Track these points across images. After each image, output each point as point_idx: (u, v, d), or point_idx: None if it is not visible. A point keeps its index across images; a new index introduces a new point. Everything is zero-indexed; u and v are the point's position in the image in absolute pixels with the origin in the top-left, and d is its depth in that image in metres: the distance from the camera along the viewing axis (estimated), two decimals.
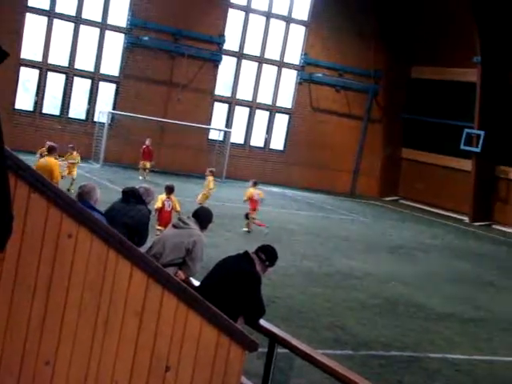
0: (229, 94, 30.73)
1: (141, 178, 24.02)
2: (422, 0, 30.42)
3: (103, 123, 27.26)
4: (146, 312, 4.45)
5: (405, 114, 32.34)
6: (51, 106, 28.03)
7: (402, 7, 30.73)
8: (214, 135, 30.54)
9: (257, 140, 31.56)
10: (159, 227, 13.25)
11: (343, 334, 10.36)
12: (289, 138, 31.88)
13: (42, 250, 4.15)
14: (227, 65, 30.33)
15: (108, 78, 28.55)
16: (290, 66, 31.47)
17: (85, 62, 28.10)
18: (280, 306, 11.03)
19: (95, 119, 28.13)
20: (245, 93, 30.95)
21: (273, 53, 31.12)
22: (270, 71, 31.22)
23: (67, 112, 27.97)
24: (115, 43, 28.40)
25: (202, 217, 7.93)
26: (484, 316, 12.89)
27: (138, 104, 28.10)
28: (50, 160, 12.93)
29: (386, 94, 32.66)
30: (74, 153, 19.68)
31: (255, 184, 18.43)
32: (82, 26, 27.71)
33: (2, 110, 23.30)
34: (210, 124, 30.13)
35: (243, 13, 30.29)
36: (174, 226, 7.93)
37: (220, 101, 30.55)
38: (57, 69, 27.74)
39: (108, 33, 28.19)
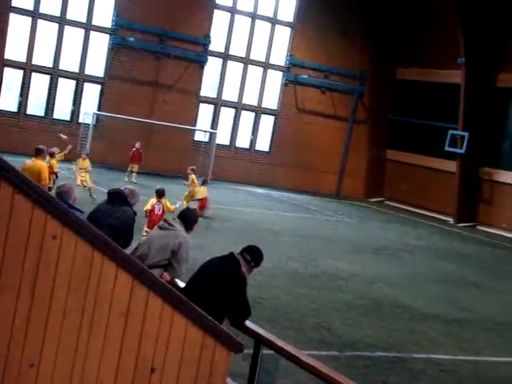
0: (214, 95, 30.71)
1: (126, 179, 23.96)
2: None
3: (88, 124, 27.11)
4: (131, 313, 4.44)
5: (390, 115, 32.45)
6: (35, 107, 27.90)
7: (386, 5, 30.77)
8: (200, 136, 30.51)
9: (242, 141, 31.55)
10: (147, 229, 13.23)
11: (329, 334, 10.38)
12: (274, 139, 31.90)
13: (27, 252, 4.13)
14: (213, 66, 30.32)
15: (93, 79, 28.46)
16: (275, 67, 31.51)
17: (69, 63, 28.00)
18: (265, 307, 11.03)
19: (80, 120, 27.99)
20: (230, 94, 30.94)
21: (258, 54, 31.14)
22: (255, 72, 31.24)
23: (52, 113, 27.83)
24: (100, 44, 28.31)
25: (188, 218, 7.91)
26: (468, 317, 12.95)
27: (123, 105, 28.00)
28: (38, 162, 12.73)
29: (371, 95, 32.75)
30: (87, 160, 19.83)
31: (204, 182, 19.65)
32: (66, 26, 27.60)
33: None
34: (195, 125, 30.10)
35: (229, 14, 30.30)
36: (160, 228, 7.91)
37: (206, 102, 30.53)
38: (41, 69, 27.62)
39: (93, 33, 28.09)
